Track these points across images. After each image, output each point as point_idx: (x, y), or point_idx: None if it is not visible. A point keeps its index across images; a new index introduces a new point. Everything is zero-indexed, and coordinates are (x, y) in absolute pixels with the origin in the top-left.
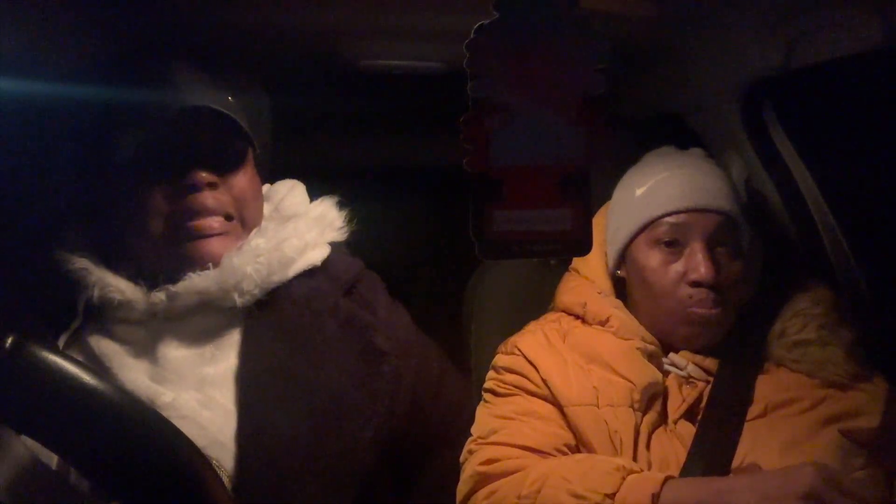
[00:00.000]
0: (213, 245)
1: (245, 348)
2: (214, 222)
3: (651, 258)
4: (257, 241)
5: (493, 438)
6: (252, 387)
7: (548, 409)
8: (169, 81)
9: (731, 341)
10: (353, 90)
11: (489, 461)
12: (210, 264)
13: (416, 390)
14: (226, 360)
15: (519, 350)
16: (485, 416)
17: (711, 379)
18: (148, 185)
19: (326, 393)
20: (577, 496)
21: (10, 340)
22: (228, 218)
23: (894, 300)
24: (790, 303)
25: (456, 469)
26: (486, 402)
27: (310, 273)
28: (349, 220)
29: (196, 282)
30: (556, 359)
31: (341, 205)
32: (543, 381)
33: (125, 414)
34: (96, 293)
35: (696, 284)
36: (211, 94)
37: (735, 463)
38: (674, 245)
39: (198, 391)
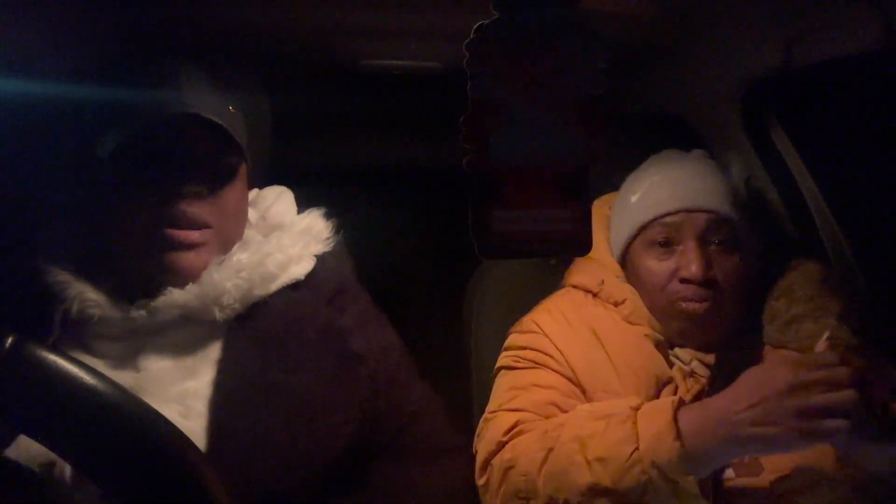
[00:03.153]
0: (189, 258)
1: (223, 359)
2: (193, 234)
3: (646, 258)
4: (239, 256)
5: (512, 405)
6: (226, 395)
7: (568, 386)
8: (168, 81)
9: (730, 335)
10: (353, 90)
11: (511, 428)
12: (186, 279)
13: (388, 395)
14: (207, 373)
15: (539, 328)
16: (501, 390)
17: None
18: (132, 186)
19: (300, 396)
20: (599, 459)
21: (10, 340)
22: (205, 227)
23: (893, 298)
24: (777, 284)
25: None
26: (500, 379)
27: (293, 286)
28: (336, 231)
29: (176, 296)
30: (579, 340)
31: (328, 215)
32: (568, 363)
33: (125, 413)
34: (75, 307)
35: (685, 281)
36: (211, 100)
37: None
38: (667, 245)
39: (179, 403)
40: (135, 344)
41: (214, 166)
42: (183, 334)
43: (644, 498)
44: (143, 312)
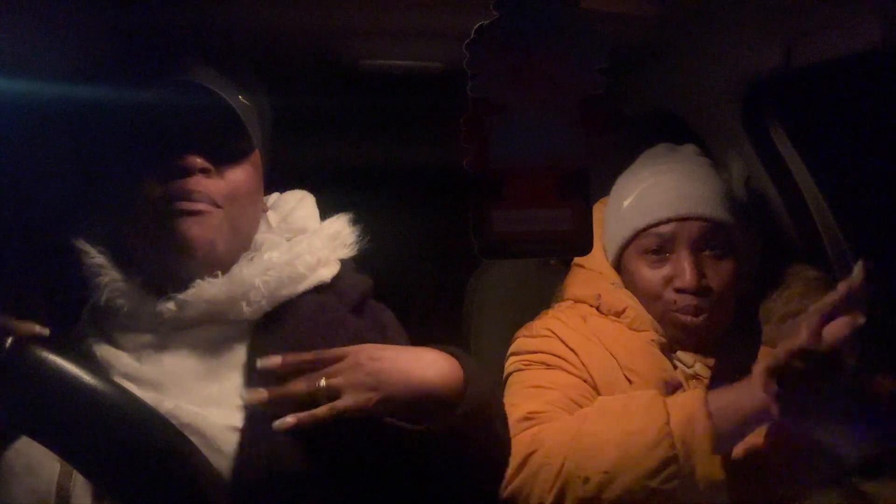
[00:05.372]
0: (196, 227)
1: (249, 363)
2: (199, 205)
3: (640, 265)
4: (270, 255)
5: (529, 399)
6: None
7: (584, 386)
8: (178, 65)
9: (730, 336)
10: (353, 90)
11: (532, 412)
12: (198, 251)
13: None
14: (229, 378)
15: (552, 332)
16: (516, 388)
17: None
18: (140, 166)
19: None
20: (629, 433)
21: (10, 340)
22: (215, 205)
23: (893, 299)
24: (773, 288)
25: None
26: (512, 381)
27: (318, 289)
28: (361, 237)
29: (205, 288)
30: (591, 345)
31: (355, 221)
32: (584, 365)
33: (125, 414)
34: (105, 296)
35: (680, 291)
36: (220, 83)
37: (739, 451)
38: (660, 252)
39: (199, 407)
40: (159, 338)
41: (222, 146)
42: (208, 334)
43: (665, 483)
44: (170, 305)
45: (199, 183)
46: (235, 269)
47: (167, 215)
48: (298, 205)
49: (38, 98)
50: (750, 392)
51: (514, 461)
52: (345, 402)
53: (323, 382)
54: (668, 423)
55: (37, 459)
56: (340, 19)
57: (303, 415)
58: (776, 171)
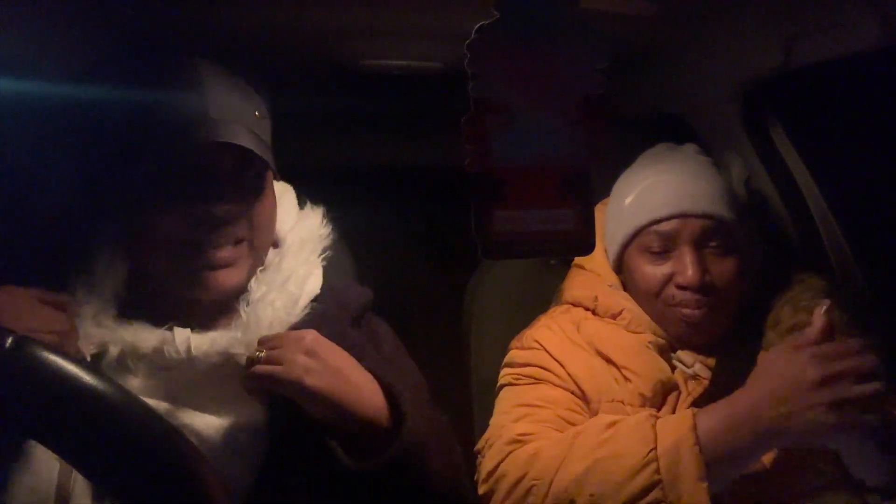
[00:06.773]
0: (224, 276)
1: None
2: (228, 252)
3: (642, 263)
4: (271, 297)
5: (520, 419)
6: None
7: (572, 399)
8: (193, 87)
9: (731, 337)
10: (353, 90)
11: (522, 434)
12: (219, 296)
13: None
14: (236, 402)
15: (540, 344)
16: (506, 406)
17: None
18: (165, 210)
19: None
20: (614, 456)
21: (10, 340)
22: (239, 242)
23: (893, 298)
24: (782, 293)
25: None
26: (503, 396)
27: (317, 299)
28: (332, 227)
29: (216, 340)
30: (579, 353)
31: (325, 216)
32: (570, 376)
33: (125, 414)
34: (115, 351)
35: (682, 287)
36: (238, 110)
37: None
38: (662, 250)
39: (206, 414)
40: (170, 377)
41: (245, 183)
42: (221, 370)
43: None
44: (179, 351)
45: (227, 225)
46: (245, 315)
47: (198, 263)
48: (279, 200)
49: (54, 113)
50: (745, 422)
51: (508, 480)
52: (277, 370)
53: (263, 353)
54: (654, 448)
55: (37, 458)
56: (340, 19)
57: (242, 374)
58: (776, 171)
